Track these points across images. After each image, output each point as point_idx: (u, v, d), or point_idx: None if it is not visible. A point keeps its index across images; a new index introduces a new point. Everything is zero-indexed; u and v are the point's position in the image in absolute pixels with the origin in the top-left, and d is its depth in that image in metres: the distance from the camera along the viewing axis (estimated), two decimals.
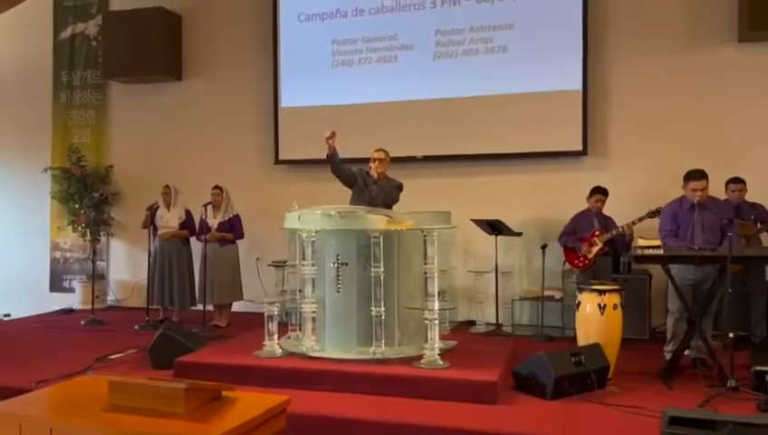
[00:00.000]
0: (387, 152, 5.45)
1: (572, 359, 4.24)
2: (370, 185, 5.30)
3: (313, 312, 4.75)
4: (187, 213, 6.92)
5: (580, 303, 4.66)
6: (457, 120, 6.84)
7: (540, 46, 6.58)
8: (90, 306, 7.31)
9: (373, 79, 7.12)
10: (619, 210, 6.04)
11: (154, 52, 7.71)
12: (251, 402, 2.71)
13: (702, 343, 4.65)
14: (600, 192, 5.97)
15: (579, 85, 6.48)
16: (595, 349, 4.40)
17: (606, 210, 6.02)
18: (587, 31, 6.49)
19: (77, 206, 8.05)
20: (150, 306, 6.89)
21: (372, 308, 4.49)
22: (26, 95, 8.62)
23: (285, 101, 7.46)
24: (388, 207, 5.25)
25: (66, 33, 8.50)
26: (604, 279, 5.36)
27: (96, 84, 8.40)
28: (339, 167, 5.30)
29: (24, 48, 8.66)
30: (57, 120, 8.53)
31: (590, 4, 6.50)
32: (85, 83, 8.45)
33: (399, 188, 5.41)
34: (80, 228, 8.03)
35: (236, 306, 6.96)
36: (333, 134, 5.13)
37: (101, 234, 8.17)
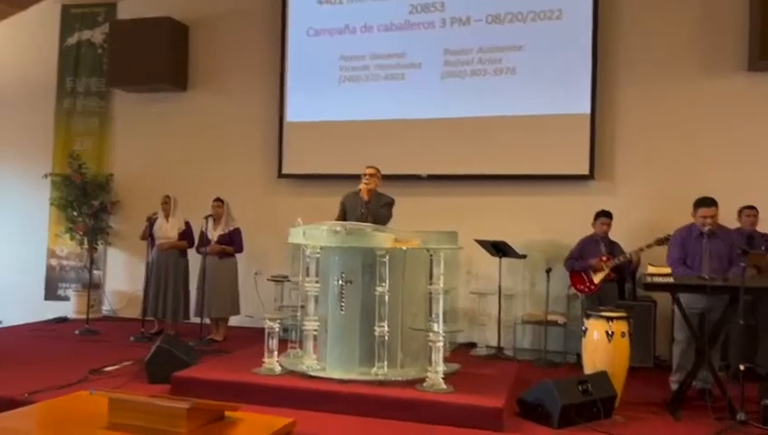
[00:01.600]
0: (378, 169, 5.47)
1: (579, 387, 4.15)
2: (361, 205, 5.27)
3: (315, 330, 4.66)
4: (187, 224, 6.83)
5: (587, 329, 4.58)
6: (464, 139, 6.81)
7: (549, 69, 6.56)
8: (84, 316, 7.18)
9: (380, 96, 7.09)
10: (625, 235, 5.99)
11: (160, 61, 7.67)
12: (255, 424, 2.62)
13: (710, 374, 4.57)
14: (604, 215, 5.92)
15: (587, 109, 6.45)
16: (602, 377, 4.32)
17: (612, 235, 5.97)
18: (596, 55, 6.48)
19: (76, 213, 7.96)
20: (146, 318, 6.78)
21: (376, 328, 4.40)
22: (30, 100, 8.56)
23: (291, 115, 7.41)
24: None
25: (72, 40, 8.46)
26: (609, 305, 5.30)
27: (100, 92, 8.35)
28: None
29: (29, 53, 8.62)
30: (59, 126, 8.46)
31: (601, 29, 6.50)
32: (89, 90, 8.40)
33: (390, 204, 5.38)
34: (77, 236, 7.93)
35: (233, 320, 6.86)
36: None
37: (99, 243, 8.07)
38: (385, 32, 7.08)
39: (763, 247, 5.53)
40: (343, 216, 5.40)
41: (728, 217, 5.37)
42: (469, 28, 6.80)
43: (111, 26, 8.06)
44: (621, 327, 4.49)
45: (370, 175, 5.36)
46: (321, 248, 4.61)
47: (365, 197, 5.27)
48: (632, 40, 6.54)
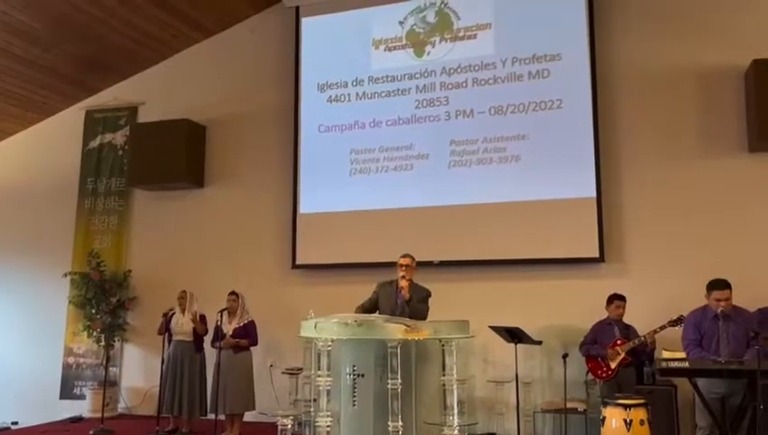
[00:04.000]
0: (413, 257, 5.30)
1: None
2: (400, 304, 5.13)
3: (328, 426, 4.59)
4: (202, 317, 6.88)
5: (605, 418, 4.49)
6: (473, 226, 6.90)
7: (553, 155, 6.72)
8: (99, 414, 7.14)
9: (390, 186, 7.27)
10: (639, 317, 5.92)
11: (178, 161, 7.96)
12: None
13: None
14: (618, 298, 5.88)
15: (593, 192, 6.56)
16: None
17: (626, 317, 5.91)
18: (598, 139, 6.64)
19: (94, 311, 8.05)
20: (162, 415, 6.72)
21: (389, 423, 4.34)
22: (52, 201, 8.84)
23: (304, 207, 7.60)
24: None
25: (95, 143, 8.83)
26: (628, 390, 5.20)
27: (120, 191, 8.63)
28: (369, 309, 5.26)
29: (54, 157, 8.96)
30: (80, 225, 8.70)
31: (601, 114, 6.67)
32: (109, 190, 8.68)
33: (427, 297, 5.29)
34: (95, 333, 7.99)
35: (248, 416, 6.76)
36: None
37: (116, 339, 8.11)
38: (393, 126, 7.34)
39: None
40: (374, 305, 5.27)
41: (742, 299, 5.28)
42: (473, 120, 7.04)
43: (132, 129, 8.41)
44: (640, 415, 4.40)
45: (407, 266, 5.18)
46: (333, 341, 4.62)
47: (406, 296, 5.13)
48: (633, 123, 6.71)
